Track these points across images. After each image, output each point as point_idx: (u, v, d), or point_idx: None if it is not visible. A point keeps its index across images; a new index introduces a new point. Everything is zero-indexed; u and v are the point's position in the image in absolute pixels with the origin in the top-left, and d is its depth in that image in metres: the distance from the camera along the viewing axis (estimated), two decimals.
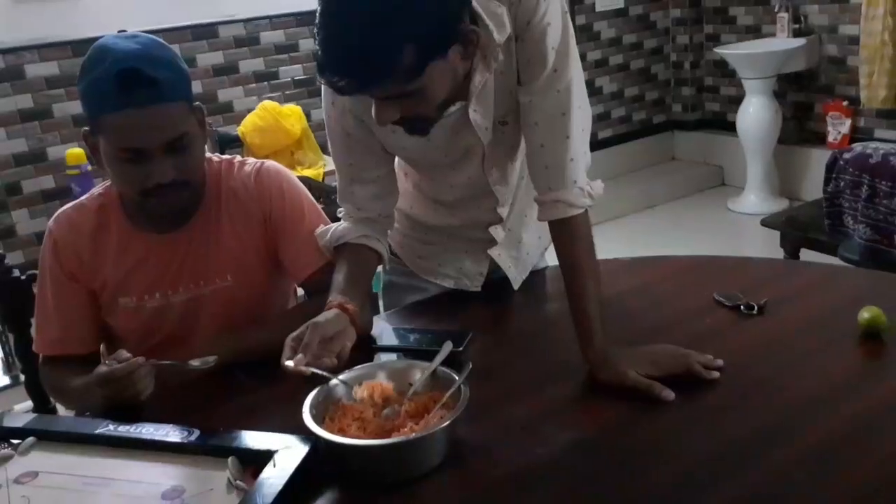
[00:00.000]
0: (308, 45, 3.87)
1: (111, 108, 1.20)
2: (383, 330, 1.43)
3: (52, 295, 1.39)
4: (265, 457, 1.02)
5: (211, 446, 1.07)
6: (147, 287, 1.38)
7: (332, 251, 1.39)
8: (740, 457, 1.02)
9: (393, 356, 1.35)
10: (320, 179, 3.25)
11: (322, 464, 1.04)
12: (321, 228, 1.42)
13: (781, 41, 4.44)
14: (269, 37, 3.77)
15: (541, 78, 1.23)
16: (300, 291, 1.61)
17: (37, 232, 3.32)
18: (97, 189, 1.42)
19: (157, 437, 1.10)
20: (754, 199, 4.49)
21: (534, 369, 1.29)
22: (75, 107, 3.33)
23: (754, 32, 4.72)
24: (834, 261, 2.73)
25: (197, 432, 1.10)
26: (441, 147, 1.33)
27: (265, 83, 3.80)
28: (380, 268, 1.51)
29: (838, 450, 1.02)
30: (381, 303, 1.71)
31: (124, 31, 1.29)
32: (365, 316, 1.36)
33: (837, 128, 4.36)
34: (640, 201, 4.66)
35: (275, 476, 0.98)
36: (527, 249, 1.57)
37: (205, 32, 3.58)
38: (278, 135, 3.43)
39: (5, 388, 3.09)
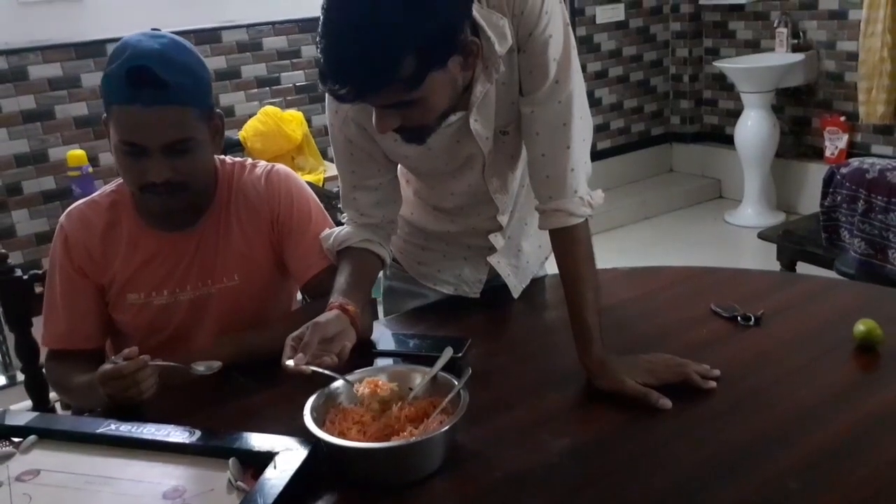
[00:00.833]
0: (310, 51, 3.88)
1: (120, 101, 1.24)
2: (383, 335, 1.44)
3: (60, 290, 1.41)
4: (266, 458, 1.03)
5: (212, 447, 1.08)
6: (155, 284, 1.40)
7: (335, 255, 1.40)
8: (735, 466, 1.03)
9: (392, 361, 1.36)
10: (321, 185, 3.26)
11: (322, 466, 1.05)
12: (325, 232, 1.44)
13: (780, 56, 4.47)
14: (272, 42, 3.78)
15: (542, 89, 1.24)
16: (299, 296, 1.62)
17: (37, 232, 3.33)
18: (110, 186, 1.44)
19: (158, 438, 1.10)
20: (751, 213, 4.51)
21: (532, 376, 1.30)
22: (77, 108, 3.34)
23: (753, 47, 4.75)
24: (830, 274, 2.74)
25: (198, 433, 1.10)
26: (442, 156, 1.35)
27: (267, 88, 3.81)
28: (380, 273, 1.52)
29: (833, 460, 1.03)
30: (380, 308, 1.72)
31: (144, 31, 1.30)
32: (365, 320, 1.37)
33: (835, 143, 4.39)
34: (637, 212, 4.68)
35: (275, 477, 0.99)
36: (527, 258, 1.58)
37: (208, 37, 3.60)
38: (279, 140, 3.44)
39: (2, 387, 3.09)
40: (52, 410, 1.65)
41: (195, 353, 1.31)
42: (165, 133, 1.25)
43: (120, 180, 1.41)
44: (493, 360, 1.36)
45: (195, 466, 1.06)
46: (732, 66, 4.51)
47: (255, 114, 3.53)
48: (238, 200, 1.43)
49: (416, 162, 1.40)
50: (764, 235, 3.26)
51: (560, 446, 1.10)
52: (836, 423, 1.11)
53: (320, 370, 1.10)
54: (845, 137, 4.34)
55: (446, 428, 1.03)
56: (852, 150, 4.34)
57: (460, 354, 1.30)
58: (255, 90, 3.79)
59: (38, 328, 1.58)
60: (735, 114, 4.67)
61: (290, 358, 1.11)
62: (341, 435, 1.05)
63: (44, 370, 1.46)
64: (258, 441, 1.07)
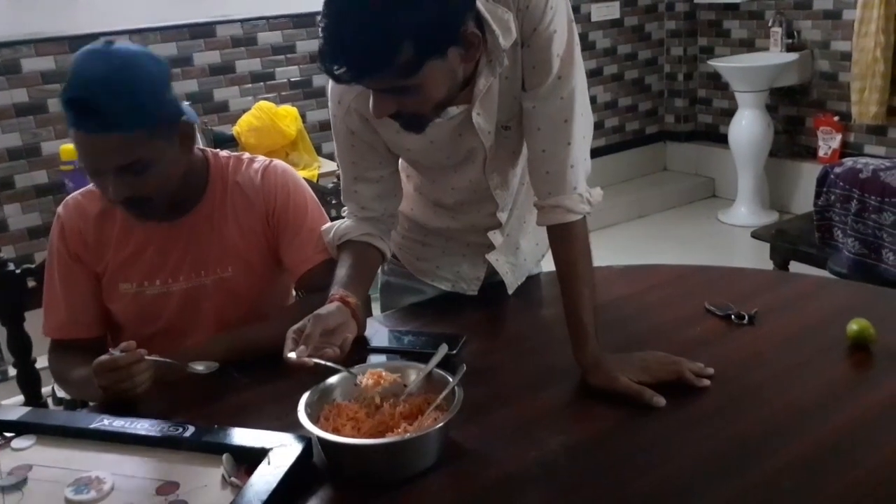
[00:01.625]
0: (305, 46, 3.87)
1: (69, 125, 1.24)
2: (378, 332, 1.44)
3: (59, 278, 1.41)
4: (260, 454, 1.02)
5: (206, 443, 1.08)
6: (147, 273, 1.40)
7: (335, 248, 1.40)
8: (729, 464, 1.04)
9: (387, 358, 1.36)
10: (315, 180, 3.25)
11: (316, 462, 1.05)
12: (325, 226, 1.43)
13: (774, 55, 4.48)
14: (267, 37, 3.77)
15: (545, 84, 1.24)
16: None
17: (29, 227, 3.31)
18: None
19: (151, 433, 1.10)
20: (745, 212, 4.53)
21: (527, 373, 1.30)
22: None
23: (748, 46, 4.76)
24: (823, 274, 2.75)
25: (192, 428, 1.10)
26: (444, 149, 1.35)
27: (261, 83, 3.80)
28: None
29: (826, 459, 1.04)
30: (377, 303, 1.72)
31: (95, 47, 1.27)
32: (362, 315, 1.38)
33: (828, 142, 4.40)
34: (631, 211, 4.68)
35: (269, 474, 0.99)
36: (524, 255, 1.58)
37: (202, 31, 3.58)
38: (273, 135, 3.43)
39: None
40: (45, 405, 1.65)
41: (191, 351, 1.30)
42: (111, 159, 1.23)
43: None
44: (489, 356, 1.36)
45: (189, 462, 1.06)
46: (727, 65, 4.52)
47: (249, 109, 3.51)
48: (234, 194, 1.43)
49: (418, 155, 1.39)
50: (757, 235, 3.27)
51: (555, 444, 1.10)
52: (830, 422, 1.11)
53: (323, 362, 1.10)
54: (839, 137, 4.36)
55: (440, 425, 1.03)
56: (845, 149, 4.36)
57: (455, 351, 1.30)
58: (250, 85, 3.77)
59: (30, 322, 1.58)
60: (729, 113, 4.68)
61: (291, 350, 1.10)
62: (336, 431, 1.05)
63: (47, 362, 1.45)
64: (252, 437, 1.07)
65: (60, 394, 2.62)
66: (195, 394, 1.28)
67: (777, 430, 1.10)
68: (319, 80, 3.94)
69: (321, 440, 1.03)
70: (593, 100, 4.85)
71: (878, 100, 4.03)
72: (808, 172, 4.23)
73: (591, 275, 1.29)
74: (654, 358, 1.23)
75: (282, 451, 1.03)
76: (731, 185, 4.68)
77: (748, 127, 4.42)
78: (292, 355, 1.09)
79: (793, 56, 4.40)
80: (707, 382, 1.20)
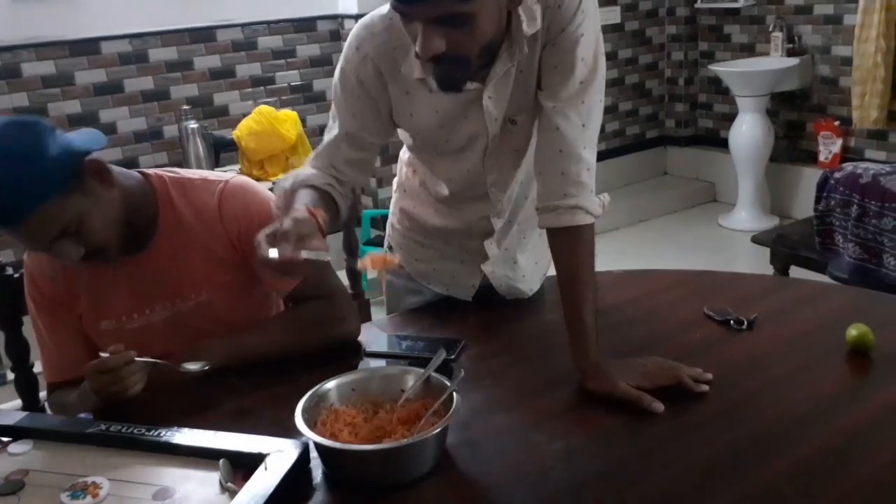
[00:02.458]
0: (305, 51, 3.88)
1: None
2: (375, 336, 1.44)
3: (43, 325, 1.41)
4: (257, 460, 1.02)
5: (202, 448, 1.07)
6: (124, 309, 1.38)
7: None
8: (728, 470, 1.03)
9: (384, 362, 1.36)
10: None
11: (313, 468, 1.05)
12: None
13: (775, 60, 4.48)
14: (267, 42, 3.78)
15: (566, 85, 1.25)
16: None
17: None
18: None
19: (148, 438, 1.10)
20: (745, 216, 4.52)
21: (525, 378, 1.30)
22: (71, 106, 3.33)
23: (748, 51, 4.76)
24: (823, 279, 2.75)
25: (189, 433, 1.10)
26: (446, 126, 1.33)
27: (261, 88, 3.80)
28: (373, 272, 1.51)
29: (826, 464, 1.03)
30: (375, 308, 1.71)
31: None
32: (355, 319, 1.42)
33: (829, 147, 4.40)
34: (632, 215, 4.68)
35: (266, 479, 0.98)
36: (522, 272, 1.57)
37: (202, 35, 3.59)
38: (273, 140, 3.43)
39: None
40: (42, 410, 1.64)
41: (184, 353, 1.30)
42: (40, 238, 1.21)
43: None
44: (486, 361, 1.36)
45: (186, 467, 1.06)
46: (727, 69, 4.52)
47: (249, 113, 3.52)
48: (190, 219, 1.37)
49: (421, 125, 1.35)
50: (758, 239, 3.26)
51: (553, 449, 1.10)
52: (829, 428, 1.11)
53: (314, 256, 1.05)
54: (839, 142, 4.35)
55: (438, 430, 1.02)
56: (846, 154, 4.36)
57: (453, 356, 1.30)
58: (250, 89, 3.78)
59: (28, 327, 1.58)
60: (730, 117, 4.68)
61: (271, 249, 1.04)
62: (333, 436, 1.04)
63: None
64: (249, 442, 1.07)
65: None
66: (192, 399, 1.28)
67: (776, 435, 1.10)
68: (319, 84, 3.95)
69: (318, 446, 1.03)
70: None
71: (878, 104, 4.03)
72: (809, 177, 4.22)
73: (594, 280, 1.29)
74: (653, 363, 1.23)
75: (279, 456, 1.02)
76: (732, 189, 4.68)
77: (749, 132, 4.42)
78: (274, 253, 1.03)
79: (793, 61, 4.40)
80: (706, 388, 1.20)
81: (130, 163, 3.42)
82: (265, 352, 1.35)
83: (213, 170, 2.83)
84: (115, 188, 1.29)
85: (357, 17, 3.75)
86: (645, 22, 4.99)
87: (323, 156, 1.37)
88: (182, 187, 1.39)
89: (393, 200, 1.62)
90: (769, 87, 4.39)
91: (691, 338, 1.38)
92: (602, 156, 4.86)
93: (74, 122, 3.34)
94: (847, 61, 4.20)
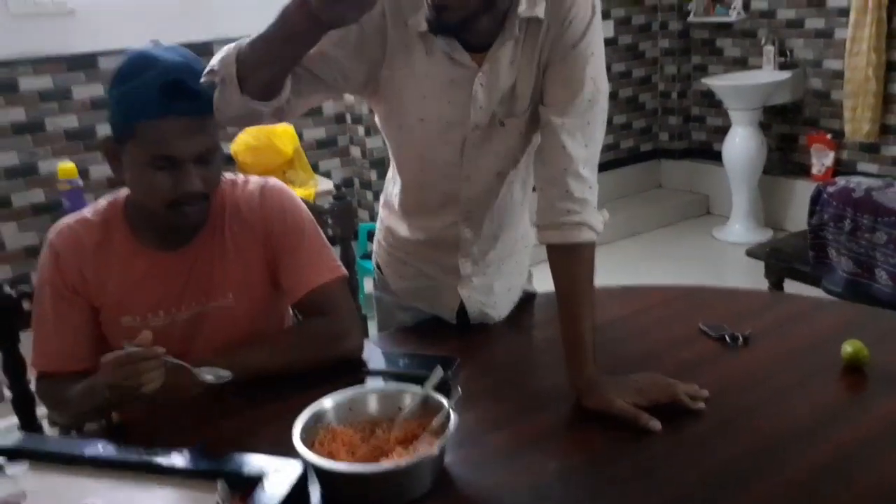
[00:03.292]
0: None
1: (151, 115, 1.23)
2: (373, 353, 1.44)
3: (52, 309, 1.37)
4: (254, 480, 1.02)
5: (200, 469, 1.07)
6: (151, 305, 1.38)
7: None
8: (724, 487, 1.04)
9: (382, 380, 1.36)
10: (311, 199, 3.26)
11: (311, 488, 1.05)
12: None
13: (767, 73, 4.52)
14: None
15: (575, 104, 1.27)
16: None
17: (25, 246, 3.31)
18: (101, 202, 1.41)
19: (145, 459, 1.10)
20: (739, 229, 4.54)
21: (521, 396, 1.31)
22: (68, 121, 3.33)
23: (741, 64, 4.80)
24: (817, 292, 2.77)
25: (186, 454, 1.10)
26: (430, 96, 1.31)
27: None
28: (370, 286, 1.52)
29: (821, 481, 1.04)
30: (373, 323, 1.72)
31: (153, 44, 1.30)
32: (358, 336, 1.43)
33: (822, 160, 4.43)
34: (626, 228, 4.70)
35: (264, 499, 0.98)
36: (496, 299, 1.57)
37: (200, 50, 3.51)
38: (270, 154, 3.44)
39: None
40: (40, 429, 1.64)
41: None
42: (197, 143, 1.26)
43: (109, 198, 1.40)
44: (483, 379, 1.36)
45: (183, 488, 1.05)
46: (720, 83, 4.55)
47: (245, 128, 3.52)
48: (232, 217, 1.41)
49: (403, 87, 1.31)
50: (752, 253, 3.27)
51: (550, 467, 1.10)
52: (825, 444, 1.11)
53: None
54: (832, 155, 4.38)
55: (435, 452, 1.03)
56: (839, 167, 4.39)
57: (450, 374, 1.30)
58: None
59: (25, 344, 1.58)
60: (723, 130, 4.71)
61: None
62: (330, 456, 1.05)
63: (35, 392, 1.43)
64: (247, 462, 1.06)
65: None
66: (190, 418, 1.28)
67: (772, 452, 1.10)
68: None
69: (316, 466, 1.03)
70: None
71: (870, 117, 4.06)
72: (802, 190, 4.25)
73: (593, 297, 1.29)
74: (648, 380, 1.23)
75: (277, 476, 1.02)
76: (726, 202, 4.70)
77: (742, 144, 4.44)
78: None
79: (786, 74, 4.43)
80: (702, 405, 1.21)
81: None
82: (266, 368, 1.34)
83: None
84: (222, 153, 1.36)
85: None
86: (638, 36, 5.02)
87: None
88: (233, 185, 1.44)
89: (379, 217, 1.63)
90: (762, 101, 4.43)
91: (686, 354, 1.39)
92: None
93: (71, 136, 3.34)
94: (839, 74, 4.24)
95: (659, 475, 1.08)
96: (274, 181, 1.48)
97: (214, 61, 1.22)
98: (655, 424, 1.15)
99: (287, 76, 1.22)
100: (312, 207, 1.68)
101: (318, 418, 1.12)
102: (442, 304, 1.57)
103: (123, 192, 1.40)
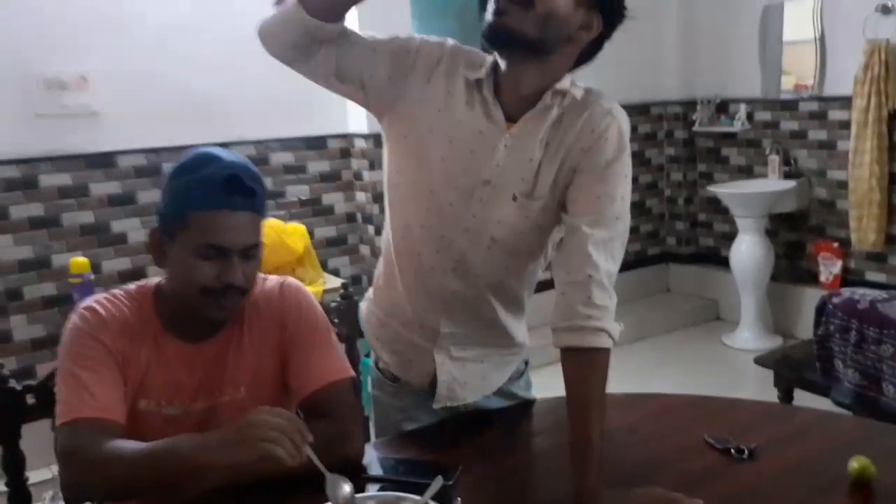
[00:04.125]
0: (315, 166, 3.99)
1: (209, 206, 1.30)
2: (372, 458, 1.43)
3: (86, 369, 1.31)
4: None
5: None
6: (168, 394, 1.39)
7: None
8: None
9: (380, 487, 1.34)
10: (320, 297, 3.28)
11: None
12: None
13: (773, 182, 4.59)
14: (279, 157, 3.90)
15: (605, 216, 1.34)
16: None
17: (33, 338, 3.33)
18: (129, 286, 1.43)
19: None
20: (748, 336, 4.52)
21: None
22: (84, 216, 3.41)
23: (746, 172, 4.88)
24: (827, 402, 2.73)
25: None
26: (455, 142, 1.39)
27: (272, 201, 3.89)
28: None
29: None
30: (373, 423, 1.71)
31: (208, 148, 1.39)
32: (359, 441, 1.42)
33: (829, 268, 4.44)
34: (634, 332, 4.66)
35: None
36: (466, 379, 1.56)
37: None
38: (281, 252, 3.49)
39: None
40: None
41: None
42: (246, 237, 1.34)
43: (139, 284, 1.44)
44: (486, 487, 1.34)
45: None
46: (726, 190, 4.61)
47: None
48: (251, 314, 1.45)
49: (430, 129, 1.40)
50: (761, 361, 3.25)
51: None
52: None
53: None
54: (839, 263, 4.40)
55: None
56: (847, 275, 4.40)
57: (451, 482, 1.29)
58: None
59: (27, 440, 1.57)
60: (730, 236, 4.75)
61: None
62: None
63: (59, 450, 1.28)
64: None
65: None
66: None
67: None
68: (328, 198, 4.05)
69: None
70: None
71: (875, 227, 4.10)
72: (811, 297, 4.23)
73: (604, 407, 1.29)
74: (651, 496, 1.21)
75: None
76: (735, 307, 4.69)
77: (749, 251, 4.47)
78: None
79: (791, 183, 4.50)
80: None
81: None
82: (267, 471, 1.33)
83: None
84: None
85: (366, 137, 3.91)
86: (644, 143, 5.14)
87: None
88: (257, 281, 1.47)
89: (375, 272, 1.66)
90: (767, 209, 4.48)
91: (690, 466, 1.37)
92: None
93: (86, 231, 3.41)
94: (843, 185, 4.30)
95: None
96: (292, 280, 1.53)
97: None
98: None
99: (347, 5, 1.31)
100: (321, 305, 1.70)
101: None
102: (415, 369, 1.57)
103: (152, 280, 1.45)
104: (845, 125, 4.24)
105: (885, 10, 4.01)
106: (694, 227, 5.29)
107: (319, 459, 1.35)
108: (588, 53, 1.37)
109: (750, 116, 4.80)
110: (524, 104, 1.36)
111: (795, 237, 4.70)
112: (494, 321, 1.53)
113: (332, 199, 4.06)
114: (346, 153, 4.07)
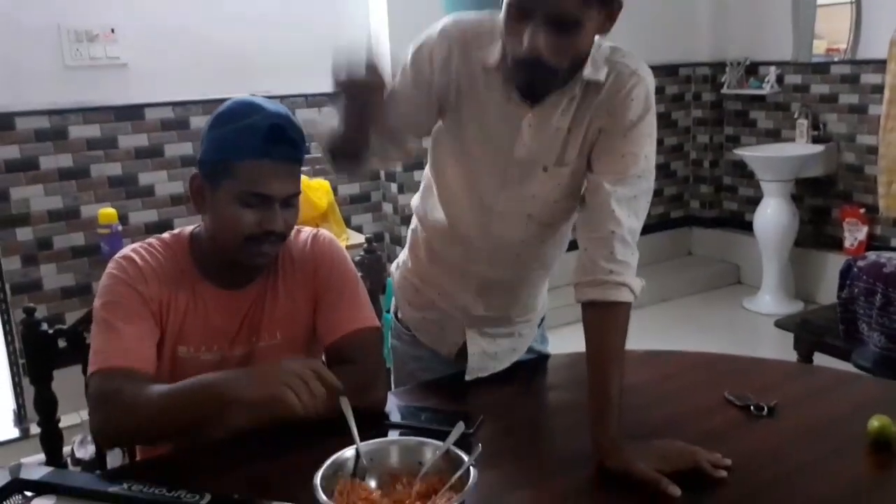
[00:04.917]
0: None
1: (253, 156, 1.31)
2: (394, 406, 1.46)
3: (122, 318, 1.34)
4: None
5: None
6: (206, 340, 1.42)
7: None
8: None
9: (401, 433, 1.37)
10: None
11: None
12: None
13: (800, 146, 4.53)
14: (304, 114, 3.89)
15: (628, 175, 1.34)
16: None
17: (62, 286, 3.39)
18: (163, 236, 1.45)
19: (169, 498, 1.11)
20: (769, 300, 4.50)
21: (542, 457, 1.31)
22: (112, 168, 3.44)
23: (774, 136, 4.82)
24: (847, 366, 2.72)
25: (208, 496, 1.11)
26: (484, 125, 1.39)
27: None
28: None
29: None
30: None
31: (252, 96, 1.40)
32: (383, 389, 1.45)
33: (854, 234, 4.40)
34: (655, 294, 4.67)
35: None
36: (496, 350, 1.61)
37: None
38: (305, 207, 3.49)
39: (14, 440, 3.10)
40: (65, 465, 1.66)
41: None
42: (288, 186, 1.36)
43: (173, 233, 1.46)
44: (505, 438, 1.36)
45: None
46: (752, 154, 4.56)
47: None
48: (285, 262, 1.48)
49: (466, 119, 1.41)
50: (781, 324, 3.25)
51: None
52: None
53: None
54: (865, 229, 4.35)
55: None
56: (872, 242, 4.35)
57: (472, 431, 1.31)
58: None
59: (57, 382, 1.61)
60: (755, 201, 4.71)
61: None
62: None
63: (90, 394, 1.33)
64: None
65: (79, 454, 2.64)
66: (210, 461, 1.29)
67: None
68: None
69: None
70: None
71: None
72: (834, 263, 4.20)
73: (623, 359, 1.30)
74: (671, 446, 1.23)
75: None
76: (757, 272, 4.67)
77: (773, 216, 4.44)
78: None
79: (819, 148, 4.44)
80: (724, 474, 1.20)
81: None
82: (287, 416, 1.35)
83: None
84: None
85: None
86: (671, 105, 5.08)
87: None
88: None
89: (409, 233, 1.67)
90: (794, 173, 4.43)
91: (711, 422, 1.38)
92: None
93: (114, 183, 3.45)
94: (872, 150, 4.23)
95: None
96: (324, 231, 1.55)
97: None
98: (675, 490, 1.14)
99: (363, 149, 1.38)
100: None
101: (338, 468, 1.13)
102: (446, 338, 1.60)
103: (186, 228, 1.47)
104: (878, 89, 4.15)
105: None
106: (718, 191, 5.24)
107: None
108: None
109: (780, 79, 4.72)
110: (544, 84, 1.33)
111: (821, 202, 4.65)
112: (529, 298, 1.58)
113: None
114: None
